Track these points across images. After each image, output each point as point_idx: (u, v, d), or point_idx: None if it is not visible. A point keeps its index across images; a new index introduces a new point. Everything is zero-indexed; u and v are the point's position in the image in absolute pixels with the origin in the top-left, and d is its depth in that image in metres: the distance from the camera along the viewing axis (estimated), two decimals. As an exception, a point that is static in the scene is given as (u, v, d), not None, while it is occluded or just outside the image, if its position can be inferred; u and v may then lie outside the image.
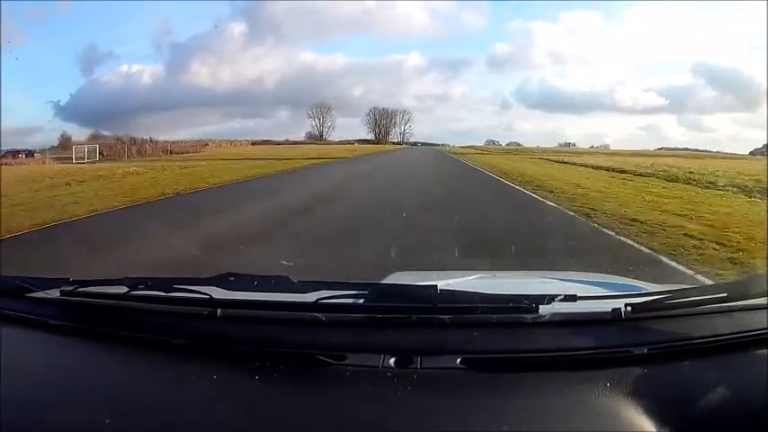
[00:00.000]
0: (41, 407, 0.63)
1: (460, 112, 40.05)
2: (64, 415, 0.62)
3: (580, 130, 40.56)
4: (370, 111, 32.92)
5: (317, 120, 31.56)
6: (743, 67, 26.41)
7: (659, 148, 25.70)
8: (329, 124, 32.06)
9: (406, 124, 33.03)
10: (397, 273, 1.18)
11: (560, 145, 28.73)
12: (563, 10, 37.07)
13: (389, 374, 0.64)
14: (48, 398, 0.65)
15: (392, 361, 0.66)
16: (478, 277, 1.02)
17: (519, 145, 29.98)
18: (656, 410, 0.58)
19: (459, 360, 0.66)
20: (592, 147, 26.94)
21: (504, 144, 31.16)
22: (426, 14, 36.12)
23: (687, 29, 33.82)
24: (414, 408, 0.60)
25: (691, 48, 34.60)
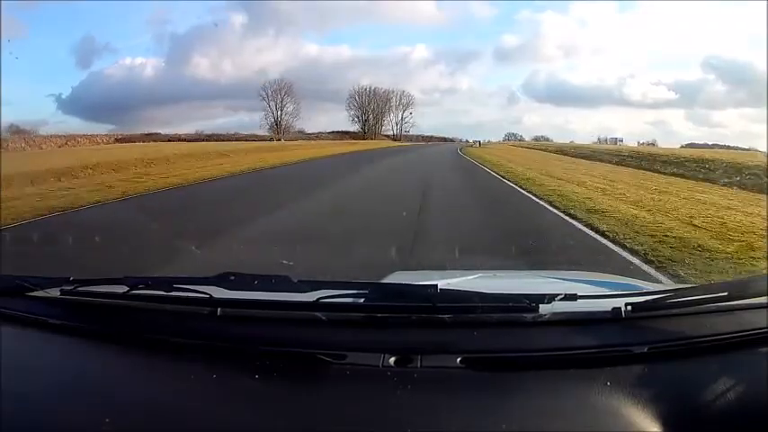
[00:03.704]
0: (41, 406, 0.63)
1: (468, 105, 40.18)
2: (64, 414, 0.62)
3: (588, 125, 40.99)
4: (355, 92, 24.18)
5: (271, 103, 23.39)
6: (756, 62, 25.89)
7: (686, 145, 24.10)
8: (290, 109, 23.83)
9: (404, 110, 24.71)
10: (398, 272, 1.17)
11: (600, 140, 25.25)
12: (573, 1, 36.65)
13: (389, 374, 0.64)
14: (48, 397, 0.65)
15: (392, 360, 0.66)
16: (478, 277, 1.01)
17: (548, 140, 26.14)
18: (656, 409, 0.59)
19: (459, 359, 0.66)
20: (640, 143, 23.97)
21: (528, 139, 26.99)
22: (433, 4, 35.47)
23: (699, 23, 34.95)
24: (414, 407, 0.60)
25: (702, 42, 35.19)
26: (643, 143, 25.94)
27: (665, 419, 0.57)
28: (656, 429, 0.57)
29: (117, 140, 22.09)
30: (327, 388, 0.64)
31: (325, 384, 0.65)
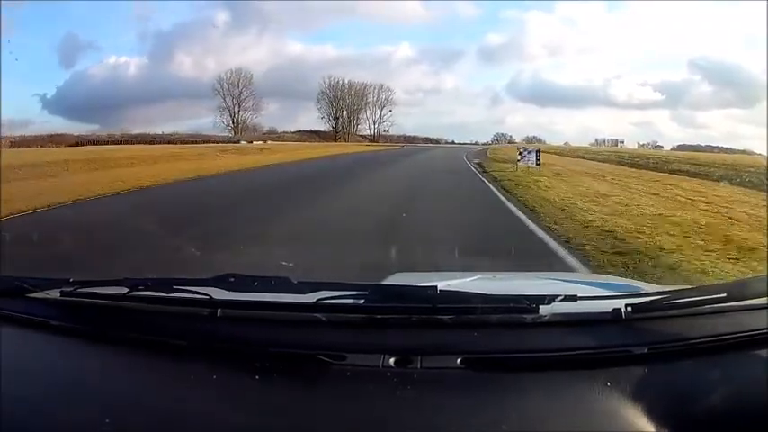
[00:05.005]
0: (41, 407, 0.63)
1: (452, 105, 38.64)
2: (64, 415, 0.62)
3: (573, 125, 39.72)
4: (326, 86, 20.69)
5: (227, 98, 19.96)
6: (743, 63, 25.96)
7: (678, 146, 23.03)
8: (251, 104, 20.46)
9: (383, 107, 21.73)
10: (397, 273, 1.18)
11: (597, 142, 23.22)
12: (559, 1, 33.56)
13: (389, 374, 0.65)
14: (48, 398, 0.65)
15: (392, 361, 0.66)
16: (478, 278, 1.01)
17: (540, 141, 23.65)
18: (655, 410, 0.59)
19: (459, 360, 0.66)
20: (640, 145, 21.88)
21: (519, 140, 24.49)
22: (419, 4, 34.95)
23: (686, 24, 34.05)
24: (414, 408, 0.60)
25: (689, 43, 34.98)
26: (643, 145, 24.95)
27: (665, 420, 0.58)
28: (655, 430, 0.57)
29: (13, 144, 18.24)
30: (327, 389, 0.64)
31: (326, 385, 0.65)
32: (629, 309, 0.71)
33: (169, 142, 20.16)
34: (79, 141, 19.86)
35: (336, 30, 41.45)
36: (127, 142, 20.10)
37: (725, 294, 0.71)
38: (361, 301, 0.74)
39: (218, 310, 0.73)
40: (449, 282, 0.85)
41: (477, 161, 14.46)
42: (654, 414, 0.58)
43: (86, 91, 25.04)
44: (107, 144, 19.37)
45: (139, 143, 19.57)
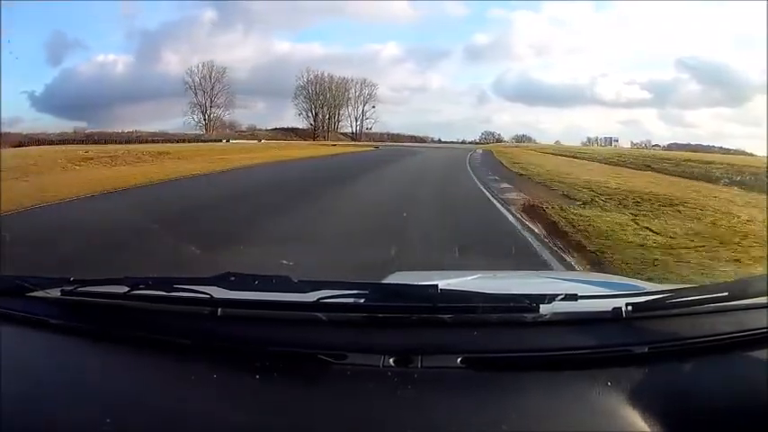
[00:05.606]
0: (41, 406, 0.63)
1: (438, 103, 37.93)
2: (64, 415, 0.62)
3: (560, 124, 39.13)
4: (306, 83, 19.19)
5: (198, 93, 18.27)
6: (732, 62, 26.06)
7: (669, 145, 22.41)
8: (224, 100, 18.96)
9: (365, 103, 20.49)
10: (398, 273, 1.18)
11: (589, 140, 22.62)
12: (547, 0, 32.64)
13: (390, 374, 0.64)
14: (48, 397, 0.64)
15: (392, 360, 0.66)
16: (479, 277, 1.01)
17: (530, 140, 23.11)
18: (656, 409, 0.59)
19: (459, 359, 0.66)
20: (633, 144, 21.02)
21: (507, 138, 24.13)
22: (407, 3, 34.63)
23: (675, 23, 34.09)
24: (414, 407, 0.60)
25: (677, 42, 34.58)
26: (636, 144, 24.24)
27: (666, 419, 0.58)
28: (656, 429, 0.57)
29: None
30: (328, 388, 0.65)
31: (326, 384, 0.65)
32: (630, 308, 0.71)
33: (128, 141, 18.89)
34: (23, 141, 18.18)
35: (324, 28, 41.30)
36: (81, 142, 18.62)
37: (726, 293, 0.72)
38: (362, 301, 0.73)
39: (219, 309, 0.73)
40: (449, 281, 0.84)
41: (518, 201, 6.17)
42: (654, 413, 0.58)
43: (75, 89, 24.78)
44: (53, 144, 17.93)
45: (95, 143, 18.22)
